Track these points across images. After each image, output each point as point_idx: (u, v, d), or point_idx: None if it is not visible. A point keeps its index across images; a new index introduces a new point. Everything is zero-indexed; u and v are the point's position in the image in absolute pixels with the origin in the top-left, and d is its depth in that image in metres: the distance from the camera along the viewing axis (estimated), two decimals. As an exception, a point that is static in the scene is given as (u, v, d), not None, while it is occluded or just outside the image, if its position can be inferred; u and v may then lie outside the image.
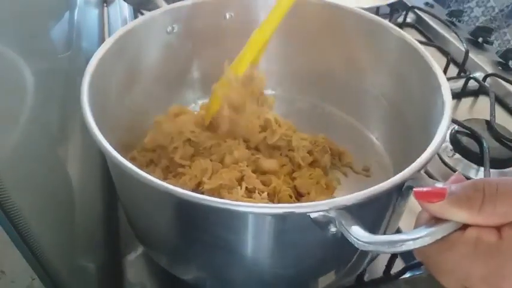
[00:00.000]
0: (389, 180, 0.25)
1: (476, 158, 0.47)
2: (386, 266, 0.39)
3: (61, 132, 0.36)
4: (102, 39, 0.66)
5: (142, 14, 0.70)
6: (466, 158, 0.48)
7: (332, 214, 0.23)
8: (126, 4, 0.74)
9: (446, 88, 0.32)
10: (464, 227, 0.20)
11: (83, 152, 0.40)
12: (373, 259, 0.34)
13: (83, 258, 0.35)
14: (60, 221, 0.31)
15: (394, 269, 0.39)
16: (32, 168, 0.27)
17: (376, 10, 0.71)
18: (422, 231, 0.21)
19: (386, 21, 0.41)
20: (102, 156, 0.47)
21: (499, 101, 0.58)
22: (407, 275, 0.39)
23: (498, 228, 0.20)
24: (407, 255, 0.40)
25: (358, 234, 0.22)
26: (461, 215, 0.20)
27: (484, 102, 0.58)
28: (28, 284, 0.25)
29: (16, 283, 0.24)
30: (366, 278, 0.38)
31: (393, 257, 0.38)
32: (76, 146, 0.39)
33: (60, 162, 0.34)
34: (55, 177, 0.32)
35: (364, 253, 0.31)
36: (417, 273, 0.39)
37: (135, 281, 0.37)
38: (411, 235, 0.21)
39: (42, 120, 0.31)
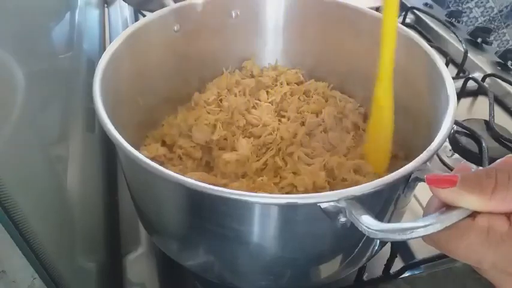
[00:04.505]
0: (397, 171, 0.25)
1: (475, 158, 0.48)
2: (385, 265, 0.39)
3: (62, 132, 0.36)
4: (103, 40, 0.66)
5: (143, 14, 0.70)
6: (465, 158, 0.48)
7: (342, 204, 0.23)
8: (126, 5, 0.74)
9: (450, 83, 0.33)
10: (474, 214, 0.21)
11: (84, 152, 0.40)
12: (373, 255, 0.34)
13: (84, 257, 0.35)
14: (61, 221, 0.31)
15: (394, 268, 0.39)
16: (33, 168, 0.27)
17: (376, 10, 0.71)
18: (433, 218, 0.21)
19: None
20: (103, 156, 0.48)
21: (498, 101, 0.59)
22: (406, 274, 0.39)
23: (508, 216, 0.20)
24: (406, 255, 0.41)
25: (368, 222, 0.22)
26: (472, 202, 0.20)
27: (483, 102, 0.58)
28: (29, 283, 0.25)
29: (17, 282, 0.24)
30: (366, 277, 0.38)
31: (392, 256, 0.39)
32: (77, 146, 0.39)
33: (61, 162, 0.34)
34: (56, 176, 0.32)
35: (368, 242, 0.31)
36: (416, 272, 0.39)
37: (135, 281, 0.37)
38: (421, 222, 0.21)
39: (43, 120, 0.31)
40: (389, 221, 0.31)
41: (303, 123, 0.44)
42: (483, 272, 0.22)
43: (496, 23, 0.89)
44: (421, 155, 0.26)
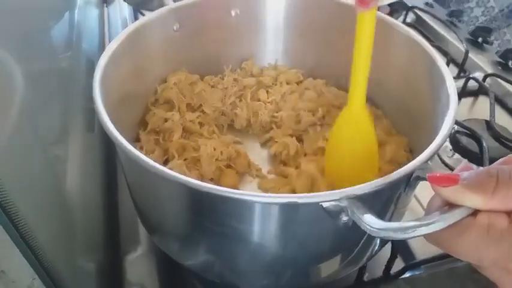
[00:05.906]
0: (399, 170, 0.25)
1: (476, 158, 0.47)
2: (386, 265, 0.39)
3: (62, 131, 0.36)
4: (102, 40, 0.66)
5: (142, 14, 0.70)
6: (465, 158, 0.48)
7: (344, 203, 0.24)
8: (126, 4, 0.74)
9: (450, 82, 0.33)
10: (475, 212, 0.21)
11: (84, 152, 0.40)
12: (373, 254, 0.34)
13: (83, 258, 0.35)
14: (60, 221, 0.31)
15: (394, 269, 0.39)
16: (32, 168, 0.27)
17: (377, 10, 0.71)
18: (435, 217, 0.21)
19: (393, 19, 0.41)
20: (103, 156, 0.48)
21: (499, 101, 0.58)
22: (407, 275, 0.39)
23: (508, 214, 0.20)
24: (407, 255, 0.40)
25: (370, 221, 0.22)
26: (474, 200, 0.20)
27: (483, 102, 0.58)
28: (28, 283, 0.25)
29: (16, 283, 0.24)
30: (366, 277, 0.38)
31: (393, 256, 0.39)
32: (77, 145, 0.39)
33: (60, 162, 0.34)
34: (55, 176, 0.32)
35: (368, 241, 0.31)
36: (417, 272, 0.39)
37: (135, 281, 0.37)
38: (424, 221, 0.21)
39: (42, 120, 0.31)
40: (389, 221, 0.31)
41: (298, 122, 0.44)
42: (484, 270, 0.22)
43: (496, 23, 0.89)
44: (422, 154, 0.26)
